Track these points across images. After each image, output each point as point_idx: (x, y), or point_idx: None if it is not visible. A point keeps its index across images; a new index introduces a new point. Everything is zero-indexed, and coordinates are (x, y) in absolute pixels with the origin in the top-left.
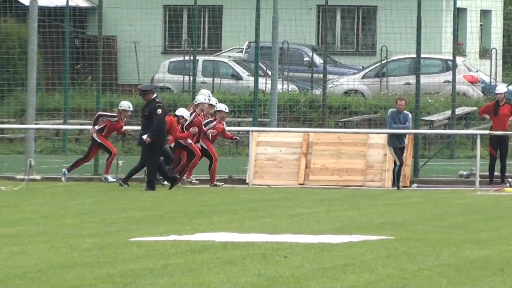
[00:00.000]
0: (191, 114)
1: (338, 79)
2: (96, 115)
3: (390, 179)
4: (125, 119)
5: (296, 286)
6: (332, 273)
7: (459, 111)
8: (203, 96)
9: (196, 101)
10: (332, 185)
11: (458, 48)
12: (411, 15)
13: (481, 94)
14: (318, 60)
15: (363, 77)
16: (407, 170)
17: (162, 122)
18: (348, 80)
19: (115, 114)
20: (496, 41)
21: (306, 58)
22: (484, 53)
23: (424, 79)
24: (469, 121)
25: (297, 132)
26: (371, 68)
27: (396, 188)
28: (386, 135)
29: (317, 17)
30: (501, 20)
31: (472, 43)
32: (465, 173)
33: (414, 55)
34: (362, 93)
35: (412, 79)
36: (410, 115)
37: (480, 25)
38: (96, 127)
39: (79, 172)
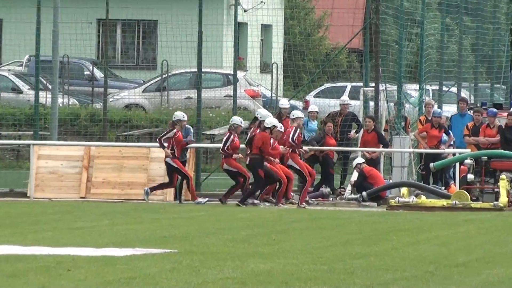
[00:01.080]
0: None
1: (119, 93)
2: (158, 141)
3: (172, 193)
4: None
5: None
6: (116, 286)
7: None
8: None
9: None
10: (114, 199)
11: (239, 63)
12: (192, 29)
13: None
14: (98, 74)
15: (144, 91)
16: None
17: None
18: (129, 94)
19: (172, 129)
20: (277, 56)
21: (86, 72)
22: (265, 67)
23: (205, 93)
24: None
25: (78, 145)
26: (151, 82)
27: (178, 201)
28: None
29: (97, 31)
30: (282, 35)
31: (253, 58)
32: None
33: (195, 69)
34: (143, 107)
35: (193, 93)
36: (191, 129)
37: (261, 39)
38: (168, 150)
39: None
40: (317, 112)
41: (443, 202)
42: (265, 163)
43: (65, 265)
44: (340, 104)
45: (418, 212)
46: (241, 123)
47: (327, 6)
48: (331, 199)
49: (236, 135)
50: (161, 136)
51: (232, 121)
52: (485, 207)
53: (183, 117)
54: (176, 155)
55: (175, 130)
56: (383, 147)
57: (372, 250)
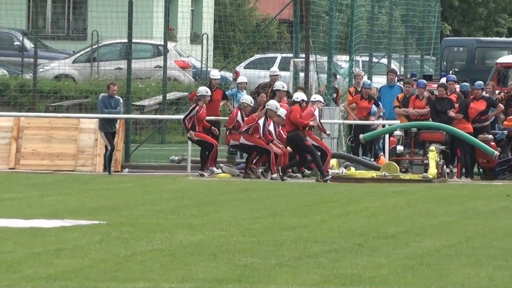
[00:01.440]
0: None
1: (49, 63)
2: (183, 122)
3: (102, 164)
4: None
5: (9, 271)
6: (45, 258)
7: (171, 96)
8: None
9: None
10: (43, 170)
11: (169, 33)
12: (122, 0)
13: (192, 79)
14: (28, 44)
15: (73, 62)
16: (118, 155)
17: None
18: (58, 65)
19: (195, 105)
20: (208, 27)
21: (16, 42)
22: (195, 38)
23: (135, 64)
24: (180, 106)
25: (7, 116)
26: (81, 52)
27: (107, 173)
28: (98, 119)
29: (28, 1)
30: (213, 6)
31: (184, 28)
32: (176, 158)
33: (125, 40)
34: (73, 78)
35: (123, 64)
36: (121, 100)
37: (191, 10)
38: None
39: None
40: (246, 83)
41: (372, 173)
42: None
43: None
44: (270, 75)
45: (347, 183)
46: (251, 102)
47: None
48: (260, 170)
49: (244, 113)
50: (185, 116)
51: (242, 99)
52: (414, 178)
53: (207, 92)
54: (197, 131)
55: (197, 108)
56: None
57: (302, 222)
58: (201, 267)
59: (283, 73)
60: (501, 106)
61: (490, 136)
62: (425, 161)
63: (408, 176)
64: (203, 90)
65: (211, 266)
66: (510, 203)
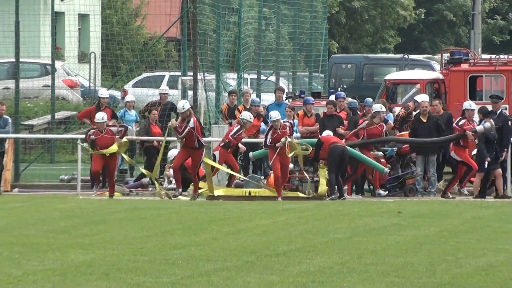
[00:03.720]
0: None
1: None
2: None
3: None
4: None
5: None
6: None
7: (59, 115)
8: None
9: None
10: None
11: (57, 52)
12: (9, 19)
13: (81, 98)
14: None
15: None
16: (8, 174)
17: None
18: None
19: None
20: (95, 45)
21: None
22: (83, 57)
23: (23, 84)
24: (69, 126)
25: None
26: None
27: None
28: None
29: None
30: (100, 24)
31: (71, 47)
32: (66, 177)
33: (13, 60)
34: None
35: (11, 84)
36: (10, 120)
37: (79, 29)
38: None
39: None
40: (134, 101)
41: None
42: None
43: None
44: (159, 93)
45: (237, 201)
46: (250, 118)
47: None
48: (150, 189)
49: (245, 130)
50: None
51: (241, 116)
52: (304, 196)
53: (250, 118)
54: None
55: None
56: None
57: (193, 240)
58: (93, 287)
59: (172, 91)
60: (391, 123)
61: (380, 153)
62: (315, 178)
63: (298, 193)
64: (247, 115)
65: (103, 285)
66: (401, 220)
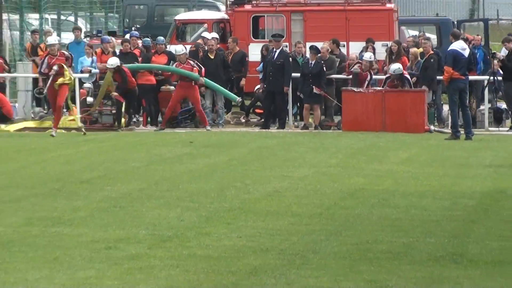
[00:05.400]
0: None
1: None
2: None
3: None
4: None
5: None
6: None
7: None
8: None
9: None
10: None
11: None
12: None
13: None
14: None
15: None
16: None
17: None
18: None
19: None
20: None
21: None
22: None
23: None
24: None
25: None
26: None
27: None
28: None
29: None
30: None
31: None
32: None
33: None
34: None
35: None
36: None
37: None
38: None
39: None
40: None
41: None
42: None
43: None
44: None
45: (40, 133)
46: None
47: None
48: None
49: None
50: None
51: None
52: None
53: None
54: None
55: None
56: None
57: (1, 169)
58: None
59: None
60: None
61: (172, 88)
62: (113, 111)
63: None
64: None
65: None
66: (193, 149)
